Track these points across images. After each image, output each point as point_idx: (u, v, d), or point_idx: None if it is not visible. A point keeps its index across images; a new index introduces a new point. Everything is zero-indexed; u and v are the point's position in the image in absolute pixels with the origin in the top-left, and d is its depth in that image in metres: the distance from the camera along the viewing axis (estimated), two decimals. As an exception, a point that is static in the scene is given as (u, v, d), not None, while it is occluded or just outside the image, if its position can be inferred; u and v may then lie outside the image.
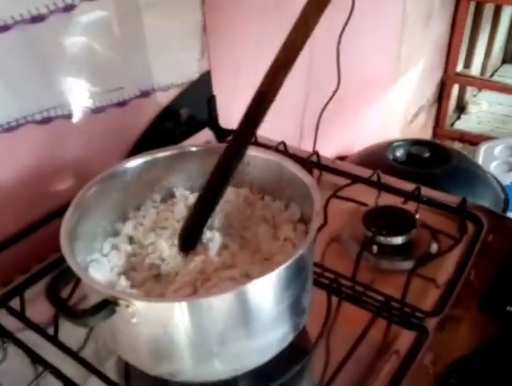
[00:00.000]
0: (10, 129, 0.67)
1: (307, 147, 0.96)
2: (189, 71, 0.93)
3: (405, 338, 0.58)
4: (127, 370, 0.56)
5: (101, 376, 0.55)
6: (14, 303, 0.64)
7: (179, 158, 0.64)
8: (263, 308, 0.48)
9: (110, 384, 0.54)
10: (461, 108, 2.86)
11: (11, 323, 0.62)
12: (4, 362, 0.59)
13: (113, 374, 0.56)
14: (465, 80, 2.61)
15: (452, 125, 2.75)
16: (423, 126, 2.46)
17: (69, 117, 0.74)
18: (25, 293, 0.65)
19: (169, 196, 0.65)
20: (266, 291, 0.47)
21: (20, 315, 0.63)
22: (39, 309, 0.62)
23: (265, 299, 0.48)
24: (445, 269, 0.67)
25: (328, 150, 1.58)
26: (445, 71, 2.46)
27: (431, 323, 0.58)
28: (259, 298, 0.47)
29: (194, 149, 0.64)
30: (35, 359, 0.57)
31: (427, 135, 2.54)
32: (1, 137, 0.67)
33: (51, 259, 0.69)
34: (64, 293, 0.58)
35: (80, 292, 0.59)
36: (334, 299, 0.62)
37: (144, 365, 0.52)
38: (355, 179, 0.83)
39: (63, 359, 0.57)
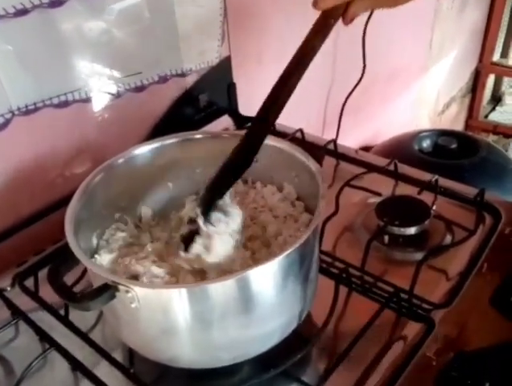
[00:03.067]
0: (28, 112, 0.69)
1: (330, 137, 0.95)
2: (209, 57, 0.93)
3: (411, 330, 0.57)
4: (131, 353, 0.56)
5: (108, 358, 0.56)
6: (28, 283, 0.66)
7: (189, 144, 0.63)
8: (263, 296, 0.48)
9: (116, 366, 0.55)
10: (497, 99, 2.77)
11: (24, 302, 0.64)
12: (15, 339, 0.61)
13: (118, 356, 0.57)
14: (502, 70, 2.53)
15: (487, 116, 2.67)
16: (455, 117, 2.40)
17: (87, 101, 0.75)
18: (39, 273, 0.66)
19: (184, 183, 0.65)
20: (266, 279, 0.47)
21: (34, 295, 0.64)
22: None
23: (265, 287, 0.47)
24: (458, 261, 0.65)
25: (353, 140, 1.56)
26: (480, 60, 2.38)
27: (438, 315, 0.57)
28: (259, 286, 0.47)
29: (202, 136, 0.64)
30: (43, 337, 0.59)
31: (459, 127, 2.48)
32: (19, 120, 0.68)
33: (65, 241, 0.70)
34: (72, 278, 0.60)
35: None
36: (343, 289, 0.61)
37: (145, 350, 0.53)
38: (371, 168, 0.81)
39: (72, 340, 0.58)
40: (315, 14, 0.51)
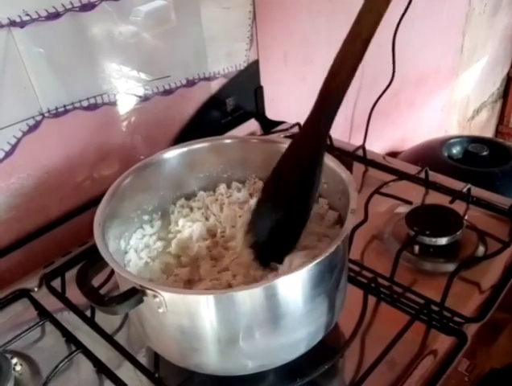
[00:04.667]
0: (58, 114, 0.69)
1: (357, 142, 0.93)
2: (237, 61, 0.92)
3: (442, 343, 0.55)
4: (156, 357, 0.56)
5: (133, 361, 0.56)
6: (55, 284, 0.66)
7: (217, 149, 0.63)
8: (291, 305, 0.47)
9: (141, 369, 0.55)
10: (529, 105, 2.70)
11: (50, 302, 0.64)
12: (41, 340, 0.61)
13: (143, 360, 0.57)
14: (534, 76, 2.47)
15: (518, 123, 2.61)
16: (486, 123, 2.35)
17: (115, 103, 0.76)
18: (66, 274, 0.66)
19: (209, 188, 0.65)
20: (294, 288, 0.46)
21: (60, 296, 0.65)
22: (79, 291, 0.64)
23: (293, 296, 0.47)
24: (491, 274, 0.63)
25: (381, 145, 1.54)
26: (512, 66, 2.34)
27: (471, 329, 0.55)
28: (287, 295, 0.46)
29: (230, 141, 0.64)
30: (70, 338, 0.59)
31: (489, 133, 2.43)
32: (49, 122, 0.69)
33: (93, 243, 0.70)
34: (100, 279, 0.60)
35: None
36: (371, 299, 0.60)
37: (171, 355, 0.52)
38: (401, 176, 0.80)
39: (97, 341, 0.59)
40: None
